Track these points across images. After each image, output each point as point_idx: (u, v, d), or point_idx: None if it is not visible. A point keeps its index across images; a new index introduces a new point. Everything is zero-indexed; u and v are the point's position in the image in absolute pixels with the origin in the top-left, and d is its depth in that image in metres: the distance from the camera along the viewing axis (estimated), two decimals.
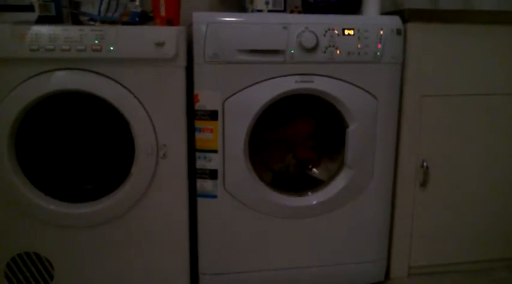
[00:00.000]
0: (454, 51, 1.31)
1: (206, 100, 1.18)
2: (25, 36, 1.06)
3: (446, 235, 1.43)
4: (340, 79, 1.22)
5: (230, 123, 1.19)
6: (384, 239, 1.37)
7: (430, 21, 1.27)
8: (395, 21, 1.24)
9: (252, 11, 1.34)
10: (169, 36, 1.12)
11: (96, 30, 1.09)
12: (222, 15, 1.16)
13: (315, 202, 1.27)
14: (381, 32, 1.21)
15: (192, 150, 1.22)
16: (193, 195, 1.25)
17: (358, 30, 1.20)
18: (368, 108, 1.25)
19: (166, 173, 1.19)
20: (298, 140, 1.39)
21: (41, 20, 1.13)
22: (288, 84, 1.19)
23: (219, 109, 1.18)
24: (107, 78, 1.12)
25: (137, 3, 1.26)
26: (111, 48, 1.10)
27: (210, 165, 1.21)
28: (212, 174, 1.22)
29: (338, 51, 1.20)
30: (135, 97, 1.14)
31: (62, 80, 1.10)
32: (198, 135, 1.20)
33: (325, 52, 1.19)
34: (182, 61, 1.15)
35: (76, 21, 1.23)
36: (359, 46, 1.20)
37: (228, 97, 1.18)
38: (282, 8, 1.33)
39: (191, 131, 1.22)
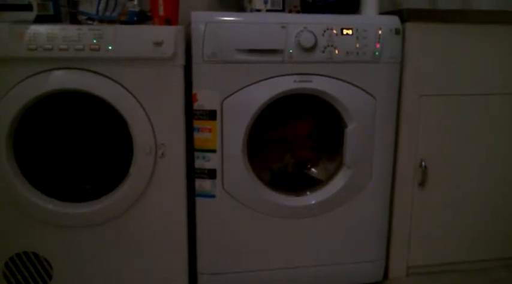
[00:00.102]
0: (453, 51, 1.31)
1: (205, 99, 1.18)
2: (23, 36, 1.06)
3: (445, 234, 1.43)
4: (339, 79, 1.22)
5: (229, 122, 1.19)
6: (382, 239, 1.37)
7: (428, 21, 1.28)
8: (393, 21, 1.24)
9: (251, 10, 1.34)
10: (168, 35, 1.11)
11: (94, 29, 1.09)
12: (220, 15, 1.16)
13: (313, 202, 1.27)
14: (380, 32, 1.21)
15: (191, 149, 1.22)
16: (191, 194, 1.25)
17: (357, 30, 1.20)
18: (367, 108, 1.25)
19: (164, 173, 1.19)
20: (296, 140, 1.39)
21: (39, 19, 1.13)
22: (287, 84, 1.19)
23: (217, 109, 1.18)
24: (105, 78, 1.12)
25: (135, 2, 1.26)
26: (110, 47, 1.10)
27: (209, 165, 1.21)
28: (211, 174, 1.21)
29: (337, 51, 1.20)
30: (134, 96, 1.14)
31: (60, 80, 1.10)
32: (197, 135, 1.20)
33: (323, 52, 1.19)
34: (181, 60, 1.15)
35: (74, 20, 1.23)
36: (357, 46, 1.20)
37: (226, 97, 1.18)
38: (281, 8, 1.33)
39: (190, 131, 1.21)
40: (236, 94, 1.18)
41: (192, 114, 1.19)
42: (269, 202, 1.25)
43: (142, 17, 1.30)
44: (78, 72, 1.11)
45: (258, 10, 1.32)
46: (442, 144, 1.37)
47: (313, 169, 1.39)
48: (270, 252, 1.30)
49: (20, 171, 1.14)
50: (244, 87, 1.18)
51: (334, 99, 1.23)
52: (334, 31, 1.19)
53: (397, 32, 1.23)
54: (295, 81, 1.19)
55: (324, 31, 1.19)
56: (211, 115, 1.18)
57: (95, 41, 1.09)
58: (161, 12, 1.20)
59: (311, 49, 1.18)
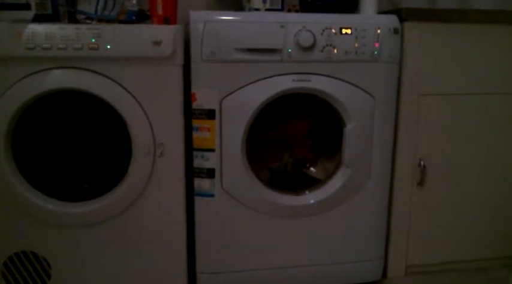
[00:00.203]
0: (452, 50, 1.31)
1: (203, 99, 1.18)
2: (21, 35, 1.06)
3: (444, 234, 1.43)
4: (338, 79, 1.22)
5: (227, 122, 1.19)
6: (381, 239, 1.37)
7: (427, 21, 1.28)
8: (392, 20, 1.24)
9: (250, 9, 1.34)
10: (167, 34, 1.11)
11: (92, 28, 1.09)
12: (219, 14, 1.16)
13: (312, 201, 1.27)
14: (378, 31, 1.21)
15: (190, 149, 1.22)
16: (190, 194, 1.25)
17: (356, 29, 1.20)
18: (365, 107, 1.25)
19: (163, 172, 1.19)
20: (295, 139, 1.39)
21: (38, 19, 1.13)
22: (285, 83, 1.19)
23: (216, 108, 1.18)
24: (104, 77, 1.12)
25: (134, 1, 1.26)
26: (108, 46, 1.09)
27: (208, 164, 1.21)
28: (209, 173, 1.21)
29: (335, 50, 1.20)
30: (132, 96, 1.13)
31: (59, 79, 1.10)
32: (196, 134, 1.20)
33: (322, 51, 1.19)
34: (179, 60, 1.15)
35: (73, 19, 1.23)
36: (356, 45, 1.20)
37: (225, 96, 1.18)
38: (280, 7, 1.33)
39: (188, 130, 1.21)
40: (235, 94, 1.18)
41: (191, 114, 1.19)
42: (268, 202, 1.25)
43: (141, 16, 1.30)
44: (76, 71, 1.11)
45: (257, 9, 1.32)
46: (441, 144, 1.37)
47: (312, 169, 1.39)
48: (269, 251, 1.30)
49: (19, 171, 1.14)
50: (243, 87, 1.18)
51: (333, 99, 1.23)
52: (333, 30, 1.19)
53: (395, 31, 1.23)
54: (294, 81, 1.19)
55: (323, 30, 1.19)
56: (210, 114, 1.18)
57: (93, 40, 1.09)
58: (160, 12, 1.20)
59: (310, 48, 1.18)
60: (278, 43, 1.17)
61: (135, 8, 1.26)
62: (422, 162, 1.36)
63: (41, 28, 1.07)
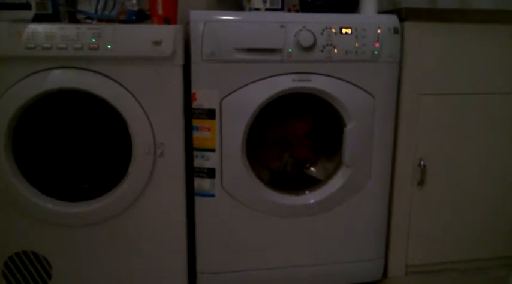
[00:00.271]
0: (452, 50, 1.31)
1: (203, 98, 1.18)
2: (21, 34, 1.06)
3: (444, 233, 1.43)
4: (338, 78, 1.22)
5: (228, 121, 1.19)
6: (381, 238, 1.37)
7: (427, 20, 1.27)
8: (392, 20, 1.24)
9: (250, 9, 1.34)
10: (167, 34, 1.11)
11: (93, 28, 1.09)
12: (219, 14, 1.16)
13: (312, 201, 1.27)
14: (379, 31, 1.21)
15: (190, 148, 1.22)
16: (190, 193, 1.25)
17: (356, 29, 1.20)
18: (365, 107, 1.25)
19: (163, 172, 1.19)
20: (295, 139, 1.39)
21: (38, 18, 1.13)
22: (286, 83, 1.19)
23: (216, 108, 1.18)
24: (104, 77, 1.12)
25: (134, 1, 1.26)
26: (108, 46, 1.09)
27: (208, 164, 1.21)
28: (210, 173, 1.21)
29: (335, 50, 1.20)
30: (133, 96, 1.13)
31: (59, 79, 1.10)
32: (196, 134, 1.20)
33: (322, 51, 1.19)
34: (179, 59, 1.15)
35: (73, 19, 1.23)
36: (356, 45, 1.20)
37: (225, 96, 1.18)
38: (280, 7, 1.33)
39: (189, 130, 1.21)
40: (235, 94, 1.18)
41: (191, 113, 1.19)
42: (268, 201, 1.25)
43: (141, 16, 1.30)
44: (76, 71, 1.11)
45: (257, 9, 1.32)
46: (441, 144, 1.37)
47: (312, 169, 1.39)
48: (269, 251, 1.30)
49: (19, 170, 1.14)
50: (243, 86, 1.18)
51: (333, 98, 1.23)
52: (333, 30, 1.19)
53: (396, 31, 1.23)
54: (294, 80, 1.19)
55: (323, 30, 1.19)
56: (210, 114, 1.18)
57: (93, 40, 1.09)
58: (160, 11, 1.20)
59: (310, 48, 1.18)
60: (278, 43, 1.17)
61: (135, 8, 1.26)
62: (422, 162, 1.36)
63: (41, 28, 1.07)
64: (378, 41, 1.21)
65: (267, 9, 1.32)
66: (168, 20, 1.21)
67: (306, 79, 1.20)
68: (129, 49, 1.10)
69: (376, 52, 1.22)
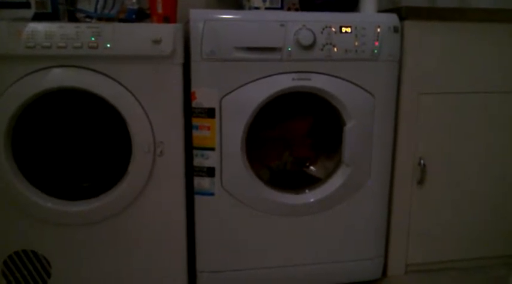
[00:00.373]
0: (452, 49, 1.31)
1: (203, 97, 1.18)
2: (21, 33, 1.06)
3: (444, 232, 1.43)
4: (338, 77, 1.22)
5: (227, 120, 1.19)
6: (381, 237, 1.37)
7: (427, 19, 1.28)
8: (392, 18, 1.24)
9: (249, 8, 1.34)
10: (166, 33, 1.11)
11: (92, 27, 1.09)
12: (219, 13, 1.16)
13: (312, 200, 1.27)
14: (378, 30, 1.21)
15: (189, 147, 1.22)
16: (190, 192, 1.25)
17: (356, 27, 1.20)
18: (365, 106, 1.25)
19: (163, 171, 1.19)
20: (295, 138, 1.39)
21: (37, 17, 1.13)
22: (285, 82, 1.19)
23: (216, 107, 1.18)
24: (104, 76, 1.12)
25: (134, 0, 1.26)
26: (108, 45, 1.09)
27: (207, 163, 1.21)
28: (209, 172, 1.21)
29: (335, 49, 1.20)
30: (132, 94, 1.13)
31: (59, 77, 1.10)
32: (195, 133, 1.20)
33: (322, 50, 1.19)
34: (179, 58, 1.15)
35: (72, 18, 1.23)
36: (356, 44, 1.20)
37: (225, 95, 1.18)
38: (279, 6, 1.33)
39: (188, 129, 1.21)
40: (235, 92, 1.18)
41: (191, 112, 1.19)
42: (268, 200, 1.25)
43: (140, 15, 1.30)
44: (76, 70, 1.11)
45: (257, 8, 1.32)
46: (441, 142, 1.37)
47: (311, 167, 1.39)
48: (268, 250, 1.30)
49: (19, 169, 1.14)
50: (243, 85, 1.18)
51: (333, 97, 1.23)
52: (333, 29, 1.19)
53: (395, 30, 1.23)
54: (293, 79, 1.19)
55: (323, 29, 1.19)
56: (210, 113, 1.18)
57: (93, 39, 1.09)
58: (160, 10, 1.20)
59: (310, 47, 1.18)
60: (278, 42, 1.17)
61: (135, 7, 1.26)
62: (422, 161, 1.36)
63: (40, 27, 1.06)
64: (377, 40, 1.21)
65: (266, 8, 1.32)
66: (167, 19, 1.21)
67: (306, 78, 1.20)
68: (128, 48, 1.10)
69: (376, 51, 1.22)
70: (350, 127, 1.25)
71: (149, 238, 1.23)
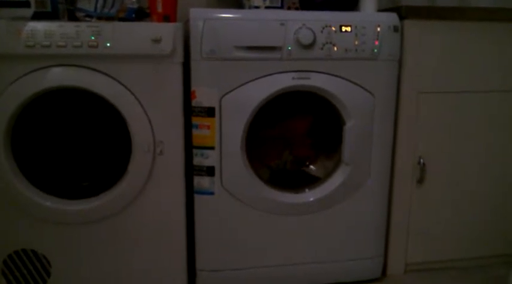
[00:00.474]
0: (452, 48, 1.31)
1: (203, 96, 1.18)
2: (21, 32, 1.06)
3: (443, 232, 1.43)
4: (337, 76, 1.22)
5: (227, 119, 1.19)
6: (380, 236, 1.37)
7: (427, 18, 1.27)
8: (392, 18, 1.24)
9: (249, 7, 1.33)
10: (166, 32, 1.11)
11: (92, 26, 1.09)
12: (219, 12, 1.16)
13: (312, 199, 1.27)
14: (378, 29, 1.21)
15: (189, 146, 1.22)
16: (190, 192, 1.25)
17: (356, 27, 1.20)
18: (365, 105, 1.25)
19: (163, 170, 1.19)
20: (295, 137, 1.39)
21: (37, 16, 1.12)
22: (285, 81, 1.19)
23: (216, 106, 1.18)
24: (104, 75, 1.12)
25: None
26: (108, 44, 1.09)
27: (207, 162, 1.21)
28: (209, 171, 1.21)
29: (335, 48, 1.20)
30: (132, 93, 1.13)
31: (58, 77, 1.10)
32: (195, 132, 1.20)
33: (322, 49, 1.19)
34: (179, 57, 1.15)
35: (72, 17, 1.23)
36: (356, 43, 1.20)
37: (225, 94, 1.18)
38: (279, 5, 1.33)
39: (188, 128, 1.21)
40: (235, 92, 1.18)
41: (191, 111, 1.19)
42: (267, 199, 1.25)
43: (140, 14, 1.29)
44: (76, 69, 1.11)
45: (257, 7, 1.32)
46: (441, 142, 1.37)
47: (311, 167, 1.39)
48: (268, 249, 1.30)
49: (18, 168, 1.14)
50: (242, 84, 1.18)
51: (333, 96, 1.23)
52: (333, 28, 1.19)
53: (395, 29, 1.23)
54: (293, 78, 1.19)
55: (323, 28, 1.19)
56: (209, 112, 1.18)
57: (93, 38, 1.09)
58: (159, 9, 1.20)
59: (310, 46, 1.18)
60: (278, 41, 1.17)
61: (135, 6, 1.25)
62: (421, 160, 1.36)
63: (40, 26, 1.06)
64: (377, 39, 1.21)
65: (266, 7, 1.32)
66: (167, 18, 1.20)
67: (306, 77, 1.20)
68: (128, 47, 1.10)
69: (375, 50, 1.22)
70: (350, 127, 1.25)
71: (149, 237, 1.23)
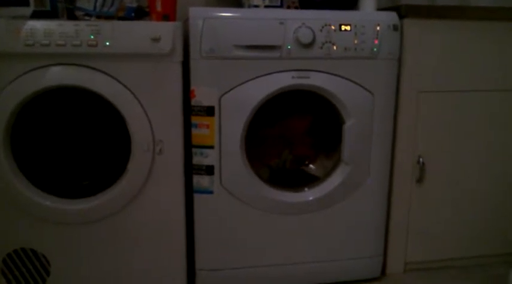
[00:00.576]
0: (451, 47, 1.31)
1: (202, 96, 1.17)
2: (20, 31, 1.05)
3: (443, 231, 1.43)
4: (337, 75, 1.22)
5: (227, 119, 1.19)
6: (380, 235, 1.37)
7: (426, 17, 1.27)
8: (392, 17, 1.23)
9: (249, 6, 1.33)
10: (166, 31, 1.11)
11: (91, 25, 1.09)
12: (218, 11, 1.16)
13: (311, 198, 1.27)
14: (378, 28, 1.21)
15: (189, 146, 1.22)
16: (189, 191, 1.25)
17: (355, 26, 1.20)
18: (365, 104, 1.25)
19: (162, 169, 1.19)
20: (294, 136, 1.39)
21: (36, 15, 1.12)
22: (285, 80, 1.19)
23: (215, 105, 1.18)
24: (103, 74, 1.11)
25: None
26: (107, 43, 1.09)
27: (207, 161, 1.21)
28: (208, 170, 1.21)
29: (335, 47, 1.20)
30: (131, 92, 1.13)
31: (58, 76, 1.10)
32: (195, 131, 1.20)
33: (321, 48, 1.19)
34: (178, 56, 1.14)
35: (71, 16, 1.22)
36: (356, 42, 1.20)
37: (224, 93, 1.18)
38: (279, 4, 1.32)
39: (187, 127, 1.21)
40: (234, 91, 1.18)
41: (190, 110, 1.19)
42: (267, 199, 1.25)
43: (140, 13, 1.29)
44: (75, 68, 1.10)
45: (256, 6, 1.32)
46: (441, 141, 1.37)
47: (311, 166, 1.39)
48: (267, 248, 1.30)
49: (18, 167, 1.14)
50: (242, 83, 1.18)
51: (332, 96, 1.22)
52: (333, 27, 1.19)
53: (395, 28, 1.23)
54: (293, 77, 1.19)
55: (322, 27, 1.19)
56: (209, 111, 1.18)
57: (92, 37, 1.08)
58: (159, 8, 1.20)
59: (309, 45, 1.18)
60: (277, 40, 1.17)
61: (134, 5, 1.25)
62: (421, 159, 1.36)
63: (39, 24, 1.06)
64: (377, 38, 1.21)
65: (266, 6, 1.32)
66: (167, 17, 1.20)
67: (305, 76, 1.20)
68: (127, 46, 1.10)
69: (375, 49, 1.22)
70: (349, 126, 1.24)
71: (148, 236, 1.23)
